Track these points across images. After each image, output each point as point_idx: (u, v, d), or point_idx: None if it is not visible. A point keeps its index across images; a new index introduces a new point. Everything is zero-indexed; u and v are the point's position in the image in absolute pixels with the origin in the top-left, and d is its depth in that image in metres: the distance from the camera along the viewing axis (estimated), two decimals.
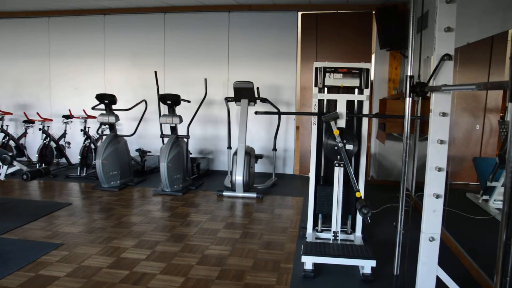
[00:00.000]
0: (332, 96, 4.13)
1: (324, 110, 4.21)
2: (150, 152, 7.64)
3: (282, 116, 7.16)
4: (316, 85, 4.16)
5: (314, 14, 7.31)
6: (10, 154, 5.17)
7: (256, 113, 4.47)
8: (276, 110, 6.53)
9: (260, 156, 6.73)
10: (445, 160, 2.48)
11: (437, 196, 2.51)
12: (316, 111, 4.16)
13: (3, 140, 7.99)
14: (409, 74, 2.54)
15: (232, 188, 6.06)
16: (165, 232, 4.62)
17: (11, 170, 5.28)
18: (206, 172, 7.43)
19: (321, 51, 7.33)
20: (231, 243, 4.30)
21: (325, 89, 4.17)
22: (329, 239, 4.07)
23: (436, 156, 2.49)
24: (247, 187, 6.02)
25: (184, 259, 3.87)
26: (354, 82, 4.08)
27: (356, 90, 4.12)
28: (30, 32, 8.45)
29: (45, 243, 4.25)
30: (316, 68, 4.15)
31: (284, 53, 7.35)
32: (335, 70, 4.10)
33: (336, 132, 3.73)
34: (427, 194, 2.54)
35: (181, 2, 7.27)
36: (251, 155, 6.18)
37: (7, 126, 8.32)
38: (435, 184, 2.51)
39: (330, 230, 4.07)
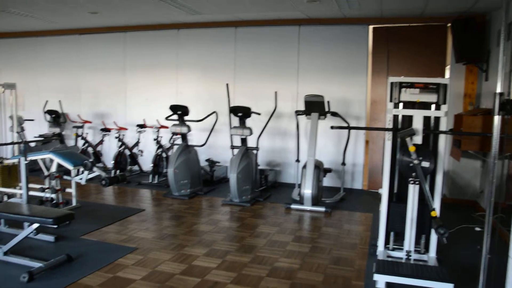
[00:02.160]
0: (408, 112, 4.04)
1: (399, 126, 4.12)
2: (219, 162, 7.81)
3: (351, 130, 7.08)
4: (391, 100, 4.09)
5: (385, 28, 7.19)
6: (91, 160, 5.50)
7: (332, 127, 4.47)
8: (346, 125, 6.48)
9: (328, 170, 6.68)
10: None
11: None
12: (390, 126, 4.09)
13: (83, 147, 8.51)
14: (498, 90, 2.44)
15: (300, 201, 6.06)
16: (234, 242, 4.70)
17: (91, 175, 5.61)
18: (273, 184, 7.48)
19: (393, 65, 7.19)
20: (300, 256, 4.29)
21: (400, 104, 4.09)
22: (402, 258, 3.95)
23: None
24: (315, 201, 6.00)
25: (254, 270, 3.92)
26: (431, 97, 3.98)
27: (433, 106, 4.00)
28: (108, 46, 8.99)
29: (121, 247, 4.48)
30: (392, 83, 4.08)
31: (354, 66, 7.28)
32: (411, 85, 4.02)
33: (412, 149, 3.64)
34: None
35: (252, 17, 7.43)
36: (320, 169, 6.16)
37: (87, 133, 8.87)
38: None
39: (403, 249, 3.96)
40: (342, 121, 6.56)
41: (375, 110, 7.34)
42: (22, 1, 6.47)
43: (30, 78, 9.73)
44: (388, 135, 4.12)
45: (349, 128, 5.70)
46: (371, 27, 7.27)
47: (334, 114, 6.48)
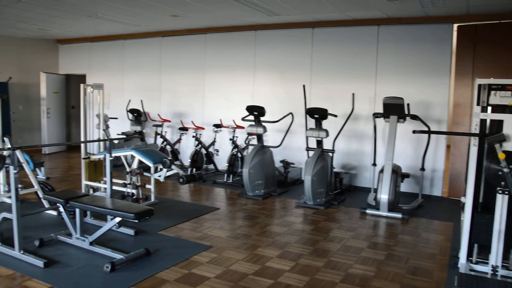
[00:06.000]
0: (498, 116, 3.78)
1: (487, 131, 3.87)
2: (293, 164, 7.79)
3: (431, 134, 6.76)
4: (478, 104, 3.85)
5: (472, 26, 6.78)
6: (170, 158, 5.70)
7: (414, 132, 4.30)
8: (426, 128, 6.21)
9: (406, 175, 6.43)
10: None
11: None
12: (477, 131, 3.85)
13: (162, 145, 8.86)
14: None
15: (376, 207, 5.88)
16: (308, 245, 4.67)
17: (169, 173, 5.83)
18: (348, 187, 7.33)
19: (479, 65, 6.75)
20: (376, 264, 4.17)
21: (489, 108, 3.84)
22: (487, 273, 3.71)
23: None
24: (392, 207, 5.80)
25: (328, 275, 3.86)
26: None
27: None
28: (189, 48, 9.30)
29: (196, 244, 4.60)
30: (479, 85, 3.84)
31: (436, 67, 6.94)
32: (502, 87, 3.76)
33: (501, 156, 3.40)
34: None
35: (330, 17, 7.34)
36: (397, 174, 5.94)
37: (165, 132, 9.24)
38: None
39: (488, 263, 3.72)
40: (422, 125, 6.28)
41: (458, 113, 6.95)
42: (110, 6, 6.87)
43: (115, 79, 10.32)
44: (474, 141, 3.88)
45: (432, 132, 5.44)
46: (455, 26, 6.90)
47: (414, 117, 6.23)
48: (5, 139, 4.49)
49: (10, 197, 4.39)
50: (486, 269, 3.76)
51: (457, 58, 6.97)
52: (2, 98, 8.65)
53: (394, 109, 6.04)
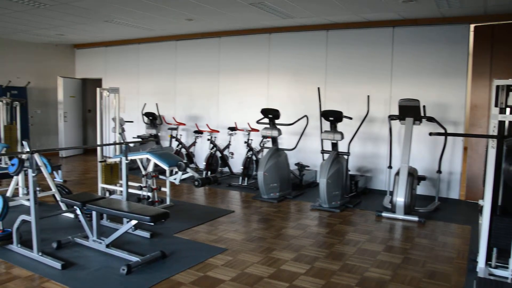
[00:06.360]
0: None
1: (505, 133, 3.81)
2: (308, 166, 7.77)
3: (448, 136, 6.68)
4: (496, 105, 3.80)
5: (489, 26, 6.69)
6: (185, 161, 5.73)
7: (430, 134, 4.25)
8: (443, 130, 6.14)
9: (423, 178, 6.37)
10: None
11: None
12: (495, 133, 3.79)
13: (177, 148, 8.91)
14: None
15: (392, 209, 5.83)
16: (323, 248, 4.64)
17: (184, 176, 5.86)
18: (363, 190, 7.28)
19: (497, 66, 6.65)
20: (392, 267, 4.12)
21: (507, 109, 3.78)
22: (507, 278, 3.65)
23: None
24: (408, 210, 5.74)
25: (344, 279, 3.83)
26: None
27: None
28: (203, 51, 9.35)
29: (211, 247, 4.61)
30: (497, 86, 3.79)
31: (452, 69, 6.86)
32: None
33: None
34: None
35: (344, 19, 7.31)
36: (413, 176, 5.88)
37: (180, 135, 9.29)
38: None
39: (508, 268, 3.65)
40: (439, 127, 6.21)
41: (476, 115, 6.86)
42: (125, 11, 6.94)
43: (130, 82, 10.43)
44: (492, 143, 3.82)
45: (448, 134, 5.36)
46: (472, 26, 6.82)
47: (430, 119, 6.16)
48: (24, 142, 4.57)
49: (28, 199, 4.45)
50: (506, 273, 3.70)
51: (474, 59, 6.88)
52: (21, 102, 8.85)
53: (410, 111, 5.99)
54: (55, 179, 5.96)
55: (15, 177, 5.60)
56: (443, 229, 5.42)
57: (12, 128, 8.74)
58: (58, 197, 5.63)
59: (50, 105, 11.19)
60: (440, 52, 6.95)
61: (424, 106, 6.15)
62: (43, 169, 5.38)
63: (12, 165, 4.32)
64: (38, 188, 4.30)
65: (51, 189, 5.64)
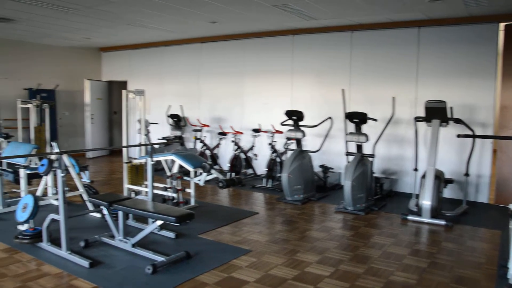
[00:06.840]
0: None
1: None
2: (332, 168, 7.72)
3: (476, 138, 6.53)
4: None
5: None
6: (209, 163, 5.77)
7: (458, 136, 4.16)
8: (470, 132, 6.00)
9: (450, 181, 6.25)
10: None
11: None
12: None
13: (201, 150, 8.97)
14: None
15: (418, 213, 5.74)
16: (348, 251, 4.60)
17: (209, 177, 5.90)
18: (389, 193, 7.18)
19: None
20: (418, 272, 4.06)
21: None
22: None
23: None
24: (434, 213, 5.64)
25: (368, 282, 3.79)
26: None
27: None
28: (228, 53, 9.40)
29: (235, 248, 4.63)
30: None
31: (480, 69, 6.72)
32: None
33: None
34: None
35: (369, 20, 7.25)
36: (440, 179, 5.78)
37: (205, 137, 9.36)
38: None
39: None
40: (466, 129, 6.08)
41: (506, 116, 6.70)
42: (151, 15, 7.04)
43: (155, 85, 10.56)
44: None
45: (476, 136, 5.23)
46: (501, 25, 6.66)
47: (458, 121, 6.04)
48: (53, 144, 4.68)
49: (57, 199, 4.55)
50: None
51: (504, 59, 6.72)
52: (50, 105, 9.05)
53: (436, 112, 5.88)
54: (82, 180, 6.07)
55: (44, 177, 5.75)
56: (471, 234, 5.31)
57: (41, 130, 8.95)
58: (85, 197, 5.74)
59: (78, 107, 11.43)
60: (467, 52, 6.82)
61: (451, 108, 6.03)
62: (71, 169, 5.49)
63: (42, 165, 4.42)
64: (66, 188, 4.40)
65: (78, 189, 5.75)
